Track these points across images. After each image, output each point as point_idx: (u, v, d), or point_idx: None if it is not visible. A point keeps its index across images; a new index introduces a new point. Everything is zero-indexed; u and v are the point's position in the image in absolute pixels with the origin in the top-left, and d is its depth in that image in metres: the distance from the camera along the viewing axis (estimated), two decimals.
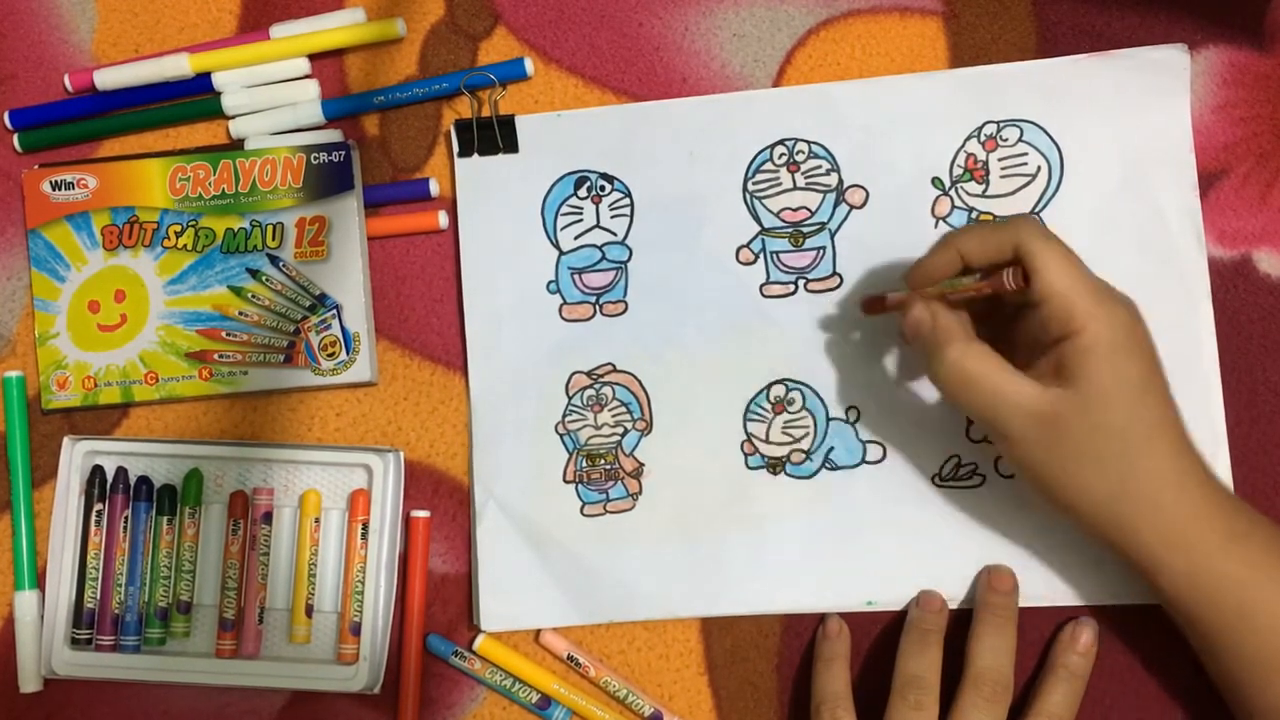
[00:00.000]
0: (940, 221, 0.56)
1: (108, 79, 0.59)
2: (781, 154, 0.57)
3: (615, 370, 0.57)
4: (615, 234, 0.57)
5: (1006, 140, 0.56)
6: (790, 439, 0.56)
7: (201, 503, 0.57)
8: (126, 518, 0.56)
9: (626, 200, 0.58)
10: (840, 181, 0.57)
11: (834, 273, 0.56)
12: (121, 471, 0.57)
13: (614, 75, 0.58)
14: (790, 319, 0.56)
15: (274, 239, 0.58)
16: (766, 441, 0.56)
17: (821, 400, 0.56)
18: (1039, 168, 0.56)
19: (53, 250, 0.58)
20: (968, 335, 0.49)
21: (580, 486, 0.56)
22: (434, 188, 0.58)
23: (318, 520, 0.57)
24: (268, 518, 0.56)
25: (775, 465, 0.56)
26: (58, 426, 0.58)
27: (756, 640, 0.56)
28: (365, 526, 0.56)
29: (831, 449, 0.56)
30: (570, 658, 0.55)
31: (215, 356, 0.57)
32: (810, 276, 0.57)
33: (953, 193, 0.56)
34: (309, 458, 0.57)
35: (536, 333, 0.57)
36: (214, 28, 0.60)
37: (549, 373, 0.57)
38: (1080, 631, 0.53)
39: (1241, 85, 0.56)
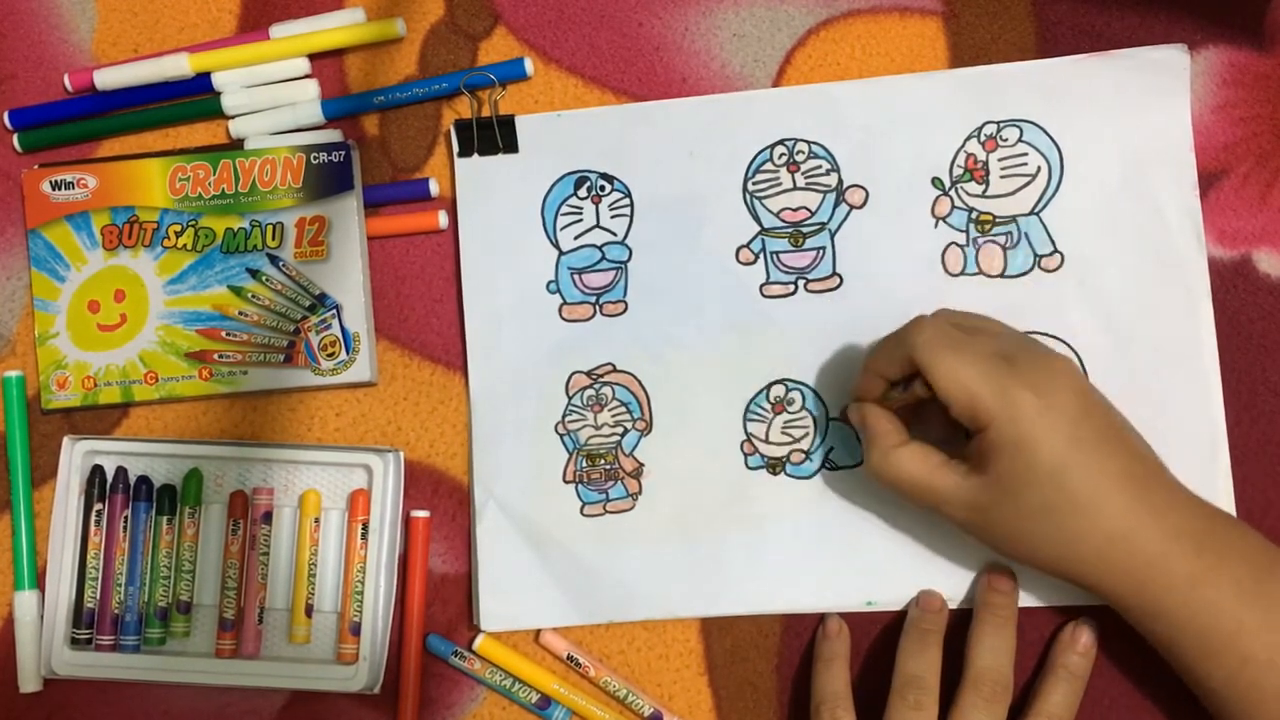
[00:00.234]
0: (940, 221, 0.56)
1: (107, 79, 0.59)
2: (781, 154, 0.57)
3: (615, 370, 0.57)
4: (615, 234, 0.57)
5: (1006, 140, 0.56)
6: (790, 439, 0.56)
7: (201, 502, 0.57)
8: (126, 517, 0.56)
9: (626, 200, 0.58)
10: (840, 181, 0.57)
11: (834, 273, 0.56)
12: (121, 471, 0.57)
13: (614, 75, 0.58)
14: (790, 319, 0.56)
15: (274, 239, 0.58)
16: (766, 441, 0.56)
17: (821, 400, 0.56)
18: (1039, 168, 0.56)
19: (52, 250, 0.58)
20: (899, 435, 0.50)
21: (580, 486, 0.56)
22: (434, 188, 0.58)
23: (318, 520, 0.57)
24: (267, 518, 0.56)
25: (775, 465, 0.56)
26: (57, 426, 0.58)
27: (756, 640, 0.56)
28: (365, 526, 0.56)
29: (831, 449, 0.56)
30: (570, 658, 0.55)
31: (215, 356, 0.57)
32: (810, 277, 0.57)
33: (953, 193, 0.56)
34: (309, 458, 0.57)
35: (536, 333, 0.57)
36: (214, 28, 0.60)
37: (549, 373, 0.57)
38: (1080, 631, 0.53)
39: (1241, 85, 0.56)
